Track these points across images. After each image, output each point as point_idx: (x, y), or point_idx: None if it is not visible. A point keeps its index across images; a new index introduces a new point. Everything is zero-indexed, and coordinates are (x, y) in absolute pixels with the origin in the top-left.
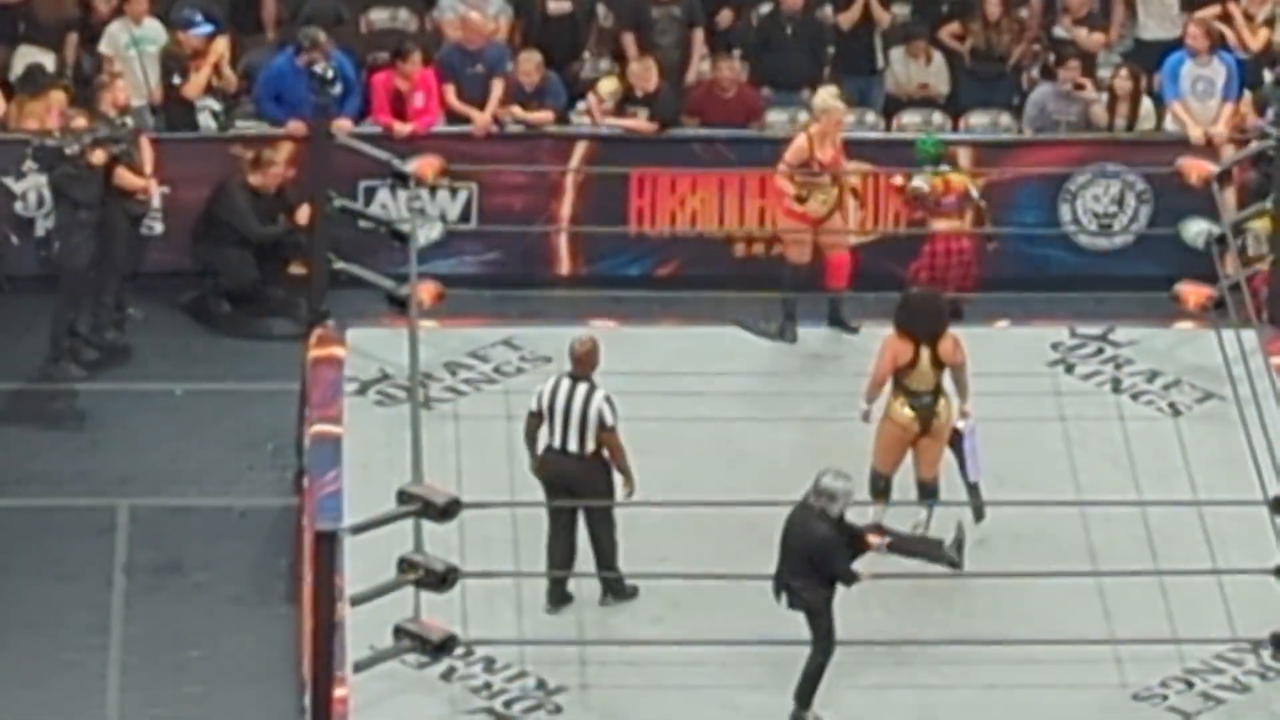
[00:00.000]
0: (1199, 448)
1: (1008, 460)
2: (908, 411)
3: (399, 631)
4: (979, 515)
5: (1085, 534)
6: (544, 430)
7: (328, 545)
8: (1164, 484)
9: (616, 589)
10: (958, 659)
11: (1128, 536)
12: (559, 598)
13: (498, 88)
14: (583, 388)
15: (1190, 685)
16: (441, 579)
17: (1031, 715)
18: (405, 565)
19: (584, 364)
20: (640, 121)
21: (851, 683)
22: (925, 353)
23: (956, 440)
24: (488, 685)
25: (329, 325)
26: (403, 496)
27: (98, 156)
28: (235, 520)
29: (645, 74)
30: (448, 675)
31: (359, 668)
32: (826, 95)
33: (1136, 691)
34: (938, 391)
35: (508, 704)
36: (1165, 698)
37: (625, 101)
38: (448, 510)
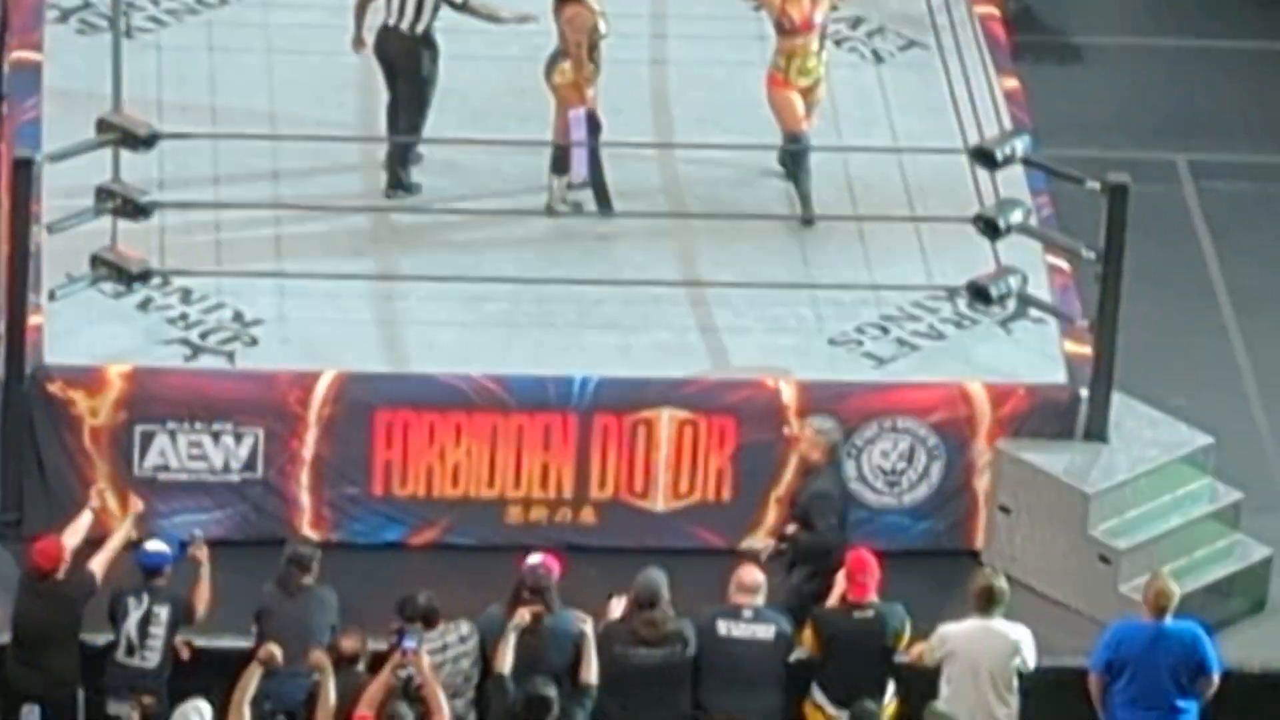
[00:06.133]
0: (901, 95)
1: (711, 103)
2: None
3: (96, 260)
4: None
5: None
6: (380, 6)
7: (25, 172)
8: (865, 131)
9: (401, 183)
10: (656, 299)
11: (828, 183)
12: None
13: None
14: None
15: (886, 331)
16: (140, 209)
17: (729, 357)
18: (103, 194)
19: None
20: None
21: (550, 324)
22: None
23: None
24: (184, 316)
25: None
26: (102, 125)
27: None
28: None
29: None
30: (144, 305)
31: (54, 296)
32: None
33: (833, 336)
34: None
35: (204, 335)
36: (861, 343)
37: None
38: (147, 141)
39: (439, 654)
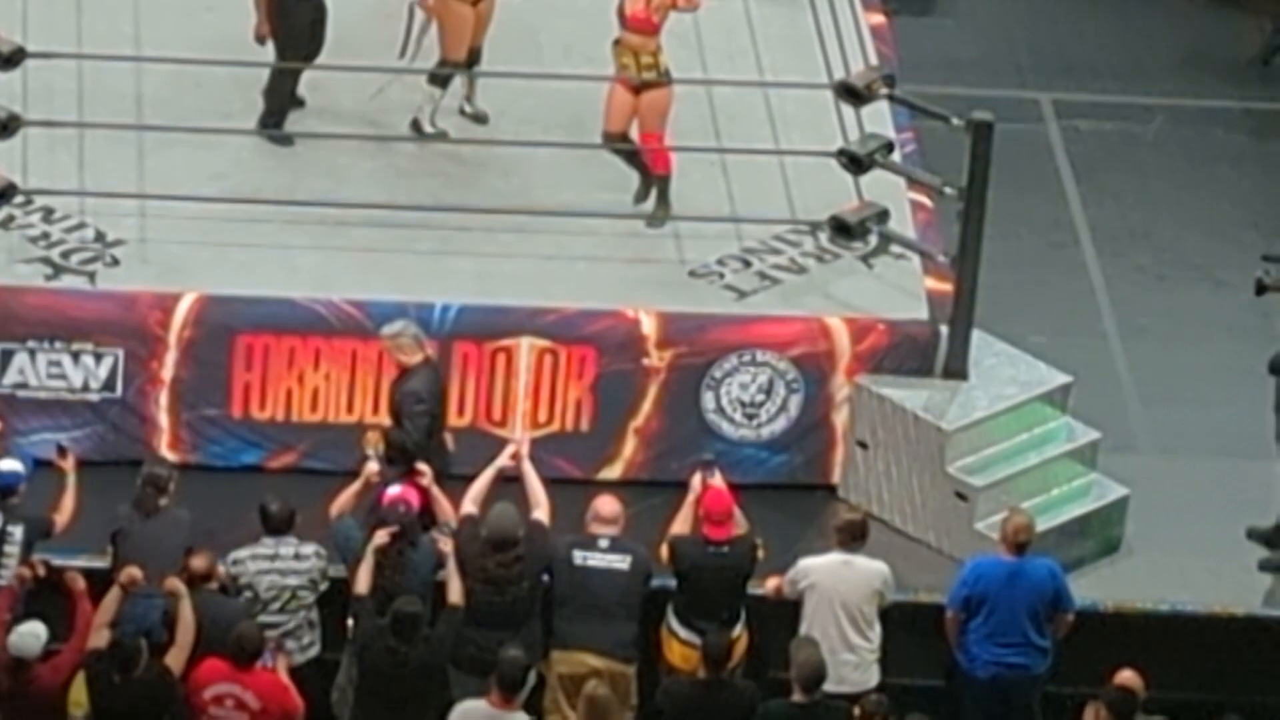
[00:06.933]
0: (767, 29)
1: (576, 33)
2: None
3: None
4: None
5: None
6: None
7: None
8: (730, 64)
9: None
10: (519, 228)
11: (692, 115)
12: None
13: None
14: None
15: (747, 264)
16: (3, 127)
17: (590, 288)
18: None
19: None
20: None
21: (410, 249)
22: None
23: None
24: (46, 235)
25: None
26: None
27: None
28: None
29: None
30: (5, 224)
31: None
32: None
33: (694, 269)
34: None
35: (65, 255)
36: (722, 275)
37: None
38: (12, 59)
39: (265, 561)
